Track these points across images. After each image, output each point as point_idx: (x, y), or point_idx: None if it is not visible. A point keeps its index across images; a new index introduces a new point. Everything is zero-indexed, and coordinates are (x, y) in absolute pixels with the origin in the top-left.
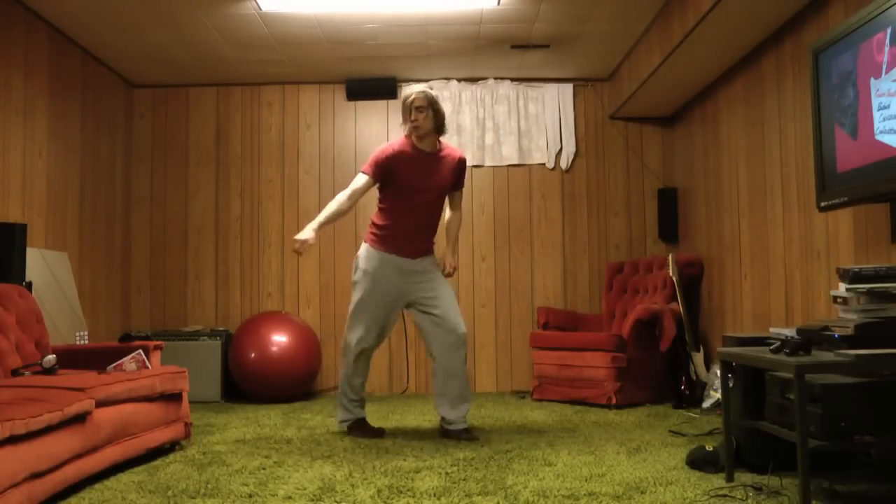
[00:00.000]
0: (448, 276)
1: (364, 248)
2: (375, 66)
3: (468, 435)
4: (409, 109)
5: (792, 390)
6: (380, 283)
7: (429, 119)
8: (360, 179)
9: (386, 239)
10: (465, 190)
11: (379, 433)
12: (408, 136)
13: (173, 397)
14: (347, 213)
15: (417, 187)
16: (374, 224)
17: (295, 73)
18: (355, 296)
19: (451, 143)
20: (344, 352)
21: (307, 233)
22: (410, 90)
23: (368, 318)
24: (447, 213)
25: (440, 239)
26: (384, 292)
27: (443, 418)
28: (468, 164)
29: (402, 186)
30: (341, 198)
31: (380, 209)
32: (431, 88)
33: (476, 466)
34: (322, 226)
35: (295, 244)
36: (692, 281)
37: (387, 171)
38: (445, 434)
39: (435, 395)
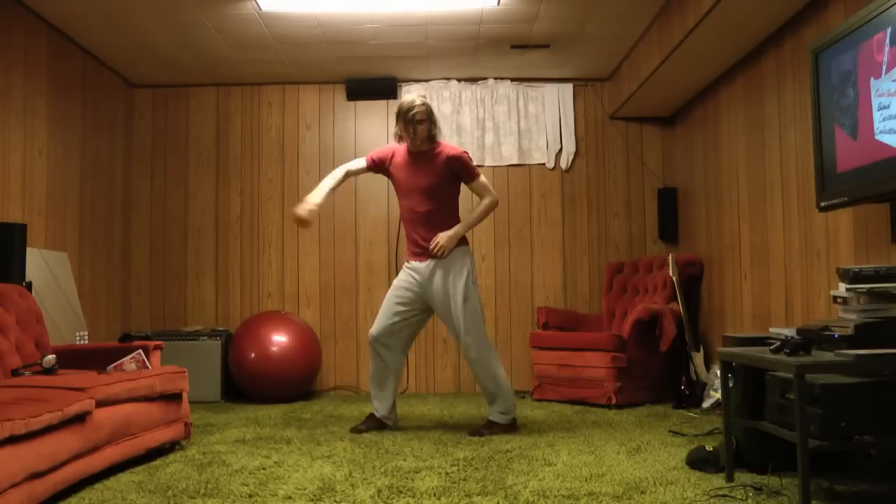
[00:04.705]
0: (431, 252)
1: None
2: (375, 66)
3: (483, 428)
4: (409, 122)
5: (792, 390)
6: (397, 285)
7: (426, 130)
8: (358, 161)
9: (406, 244)
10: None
11: (373, 426)
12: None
13: (173, 397)
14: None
15: (408, 188)
16: None
17: (295, 73)
18: None
19: (452, 143)
20: None
21: (307, 207)
22: (410, 102)
23: (381, 312)
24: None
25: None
26: (397, 294)
27: None
28: None
29: (398, 189)
30: (331, 175)
31: None
32: (425, 96)
33: (476, 466)
34: (322, 196)
35: (301, 214)
36: (692, 281)
37: (382, 166)
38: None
39: None
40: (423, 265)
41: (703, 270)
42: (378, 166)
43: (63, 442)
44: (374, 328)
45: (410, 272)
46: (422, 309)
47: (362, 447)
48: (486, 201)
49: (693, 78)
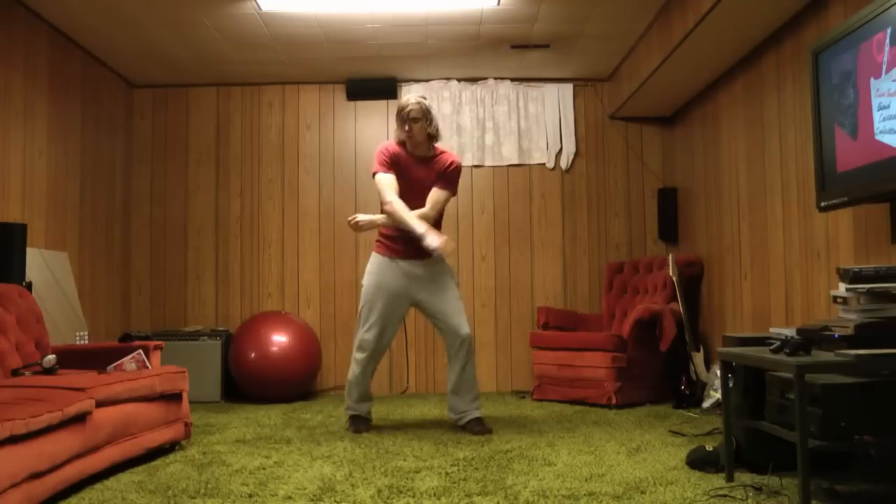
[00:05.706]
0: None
1: (372, 256)
2: (375, 66)
3: (480, 426)
4: (404, 120)
5: (792, 390)
6: (384, 286)
7: (423, 129)
8: (385, 178)
9: (388, 244)
10: (466, 190)
11: (363, 427)
12: (401, 143)
13: (173, 397)
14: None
15: (409, 191)
16: (378, 232)
17: (295, 73)
18: (362, 298)
19: (452, 143)
20: (355, 348)
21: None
22: (406, 100)
23: (373, 318)
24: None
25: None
26: (388, 294)
27: (451, 409)
28: (469, 163)
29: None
30: (398, 203)
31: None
32: (425, 98)
33: (476, 466)
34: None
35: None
36: (692, 281)
37: (393, 166)
38: (460, 428)
39: (448, 392)
40: (414, 263)
41: (703, 270)
42: (392, 165)
43: (63, 442)
44: (373, 335)
45: (400, 271)
46: (408, 307)
47: (362, 447)
48: (431, 212)
49: (693, 78)
